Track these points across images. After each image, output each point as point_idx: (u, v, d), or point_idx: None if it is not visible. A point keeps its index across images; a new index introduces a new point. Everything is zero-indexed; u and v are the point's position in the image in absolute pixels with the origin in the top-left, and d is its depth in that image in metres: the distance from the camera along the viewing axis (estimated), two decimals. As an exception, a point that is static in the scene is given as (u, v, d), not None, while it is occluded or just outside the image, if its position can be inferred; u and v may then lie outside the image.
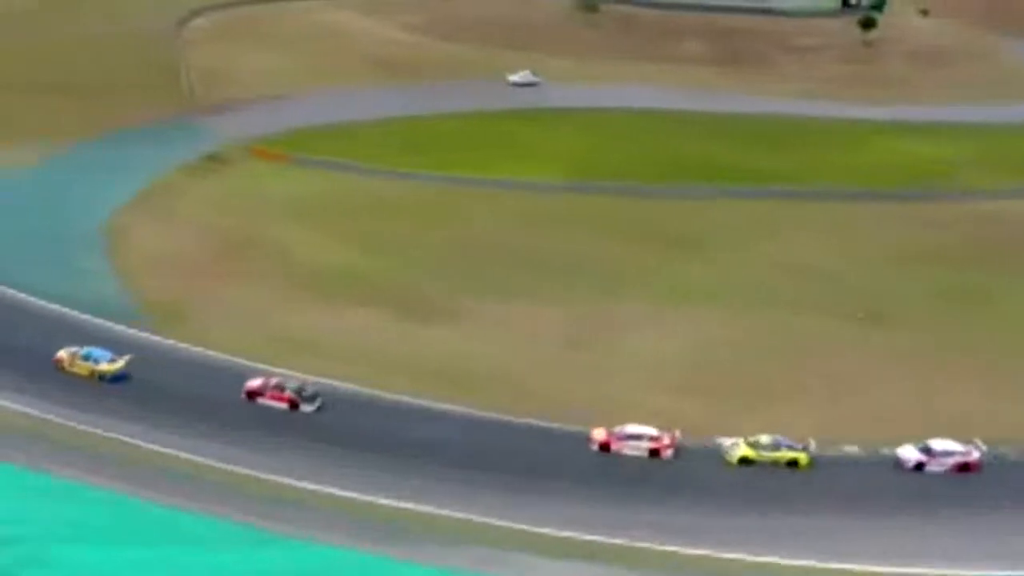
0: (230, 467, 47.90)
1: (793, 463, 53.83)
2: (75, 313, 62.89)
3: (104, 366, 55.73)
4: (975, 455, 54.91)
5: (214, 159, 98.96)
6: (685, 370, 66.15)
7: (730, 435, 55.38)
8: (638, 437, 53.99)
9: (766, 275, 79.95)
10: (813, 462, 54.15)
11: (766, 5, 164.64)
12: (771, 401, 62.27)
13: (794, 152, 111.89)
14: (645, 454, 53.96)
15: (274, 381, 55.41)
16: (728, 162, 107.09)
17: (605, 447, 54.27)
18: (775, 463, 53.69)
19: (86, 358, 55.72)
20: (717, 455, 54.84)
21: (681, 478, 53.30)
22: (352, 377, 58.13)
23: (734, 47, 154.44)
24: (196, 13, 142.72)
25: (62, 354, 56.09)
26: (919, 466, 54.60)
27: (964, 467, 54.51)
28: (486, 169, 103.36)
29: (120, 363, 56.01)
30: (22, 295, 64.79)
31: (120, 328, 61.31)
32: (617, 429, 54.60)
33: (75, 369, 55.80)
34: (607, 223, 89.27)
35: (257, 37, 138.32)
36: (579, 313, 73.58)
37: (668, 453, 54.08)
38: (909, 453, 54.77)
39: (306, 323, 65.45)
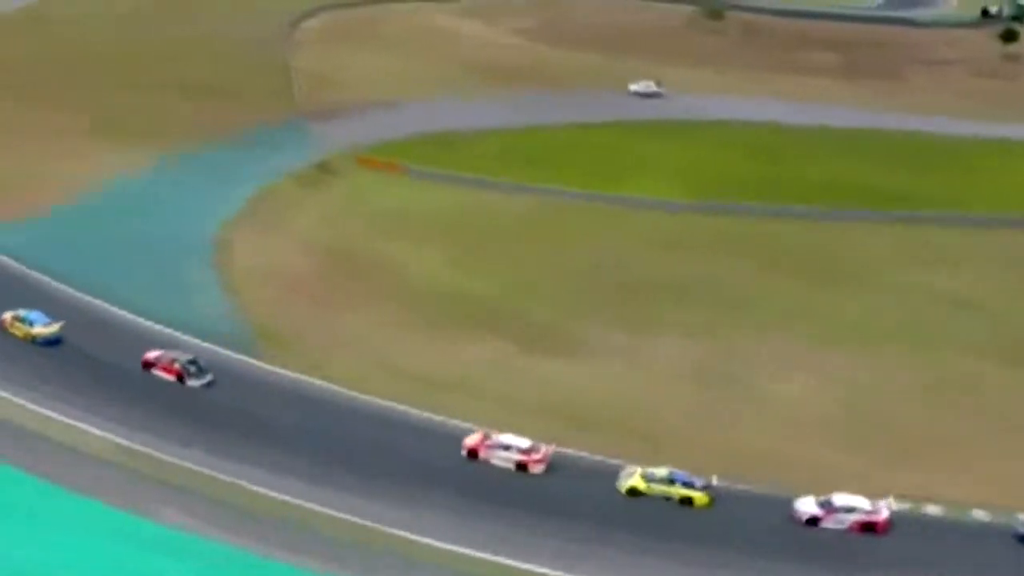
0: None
1: (687, 501, 47.36)
2: (179, 334, 57.76)
3: (38, 329, 54.53)
4: (883, 513, 47.04)
5: (324, 168, 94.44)
6: (833, 418, 58.87)
7: (879, 493, 48.03)
8: (507, 447, 49.23)
9: (925, 311, 72.10)
10: (713, 502, 47.31)
11: (900, 15, 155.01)
12: (928, 456, 54.67)
13: (941, 173, 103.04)
14: (512, 466, 49.02)
15: (170, 355, 53.33)
16: (868, 183, 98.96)
17: (473, 454, 49.44)
18: (667, 498, 47.09)
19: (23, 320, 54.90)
20: (603, 479, 48.57)
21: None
22: (476, 417, 52.07)
23: (865, 58, 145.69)
24: (308, 15, 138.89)
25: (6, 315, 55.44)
26: (813, 520, 47.12)
27: (868, 526, 46.84)
28: (607, 184, 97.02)
29: (55, 327, 54.84)
30: (126, 314, 59.67)
31: (229, 353, 55.82)
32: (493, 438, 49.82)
33: (13, 331, 54.82)
34: (741, 248, 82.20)
35: (366, 40, 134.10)
36: (714, 348, 66.64)
37: (538, 468, 48.92)
38: (806, 506, 47.51)
39: (424, 355, 59.81)
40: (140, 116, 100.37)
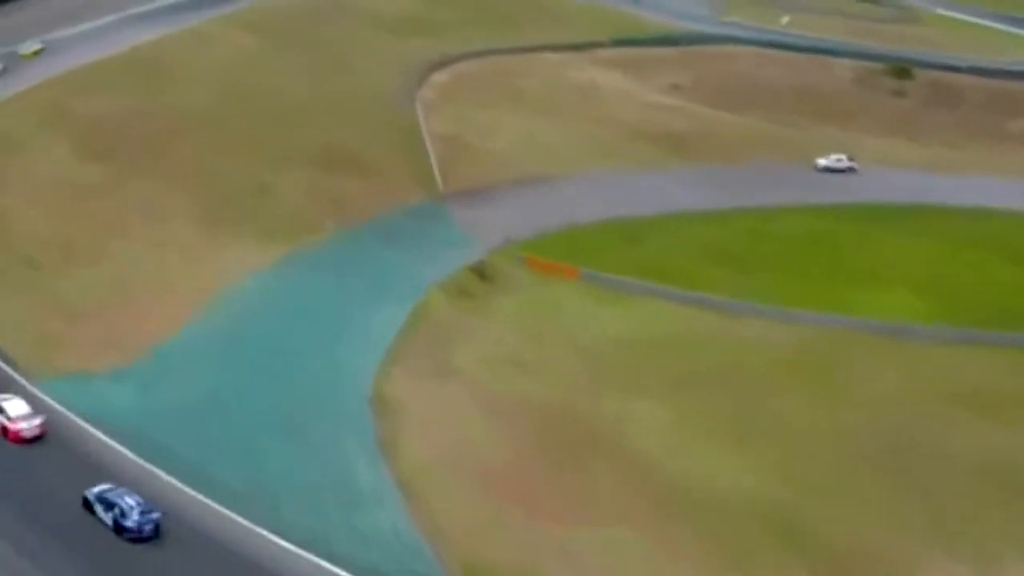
0: None
1: None
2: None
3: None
4: None
5: (482, 273, 74.77)
6: None
7: None
8: None
9: None
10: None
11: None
12: None
13: None
14: None
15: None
16: None
17: None
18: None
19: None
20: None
21: None
22: None
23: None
24: (435, 66, 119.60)
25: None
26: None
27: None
28: (830, 298, 76.97)
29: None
30: (262, 531, 40.05)
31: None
32: None
33: None
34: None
35: (504, 98, 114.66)
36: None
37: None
38: None
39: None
40: (254, 196, 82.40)
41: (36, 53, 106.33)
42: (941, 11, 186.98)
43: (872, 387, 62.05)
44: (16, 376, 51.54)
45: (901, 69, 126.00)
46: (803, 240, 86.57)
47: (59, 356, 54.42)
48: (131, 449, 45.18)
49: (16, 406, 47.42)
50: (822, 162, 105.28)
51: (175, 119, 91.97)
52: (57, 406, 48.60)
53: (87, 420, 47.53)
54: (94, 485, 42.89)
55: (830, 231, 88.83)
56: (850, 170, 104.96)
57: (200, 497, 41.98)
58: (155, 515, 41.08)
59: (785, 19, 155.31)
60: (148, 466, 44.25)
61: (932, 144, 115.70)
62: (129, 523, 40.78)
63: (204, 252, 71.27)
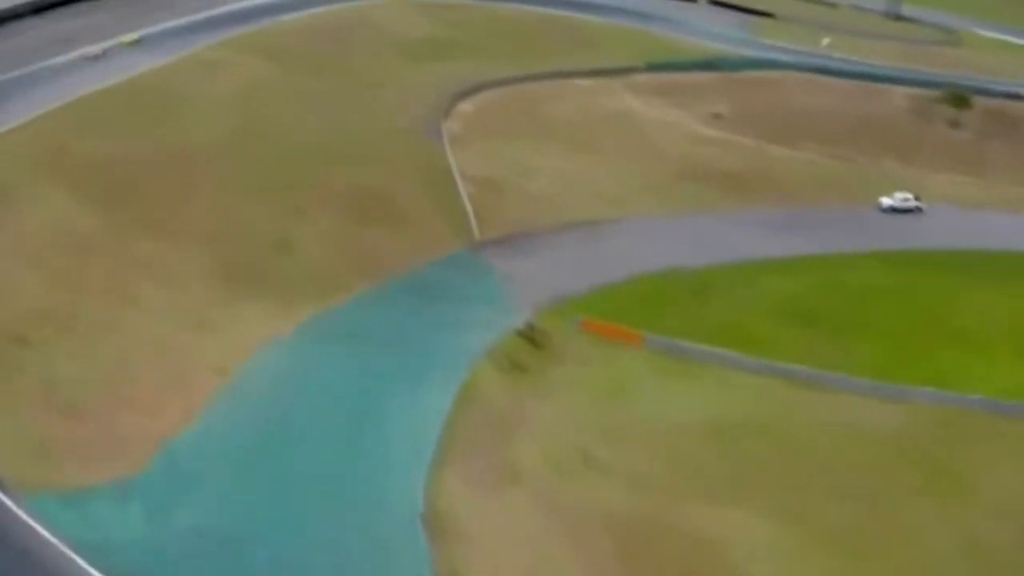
0: None
1: None
2: None
3: None
4: None
5: (533, 339, 65.39)
6: None
7: None
8: None
9: None
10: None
11: None
12: None
13: None
14: None
15: None
16: None
17: None
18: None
19: None
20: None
21: None
22: None
23: None
24: (459, 95, 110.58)
25: None
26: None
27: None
28: (926, 367, 68.23)
29: None
30: None
31: None
32: None
33: None
34: None
35: (537, 130, 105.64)
36: None
37: None
38: None
39: None
40: (274, 250, 73.30)
41: (135, 42, 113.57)
42: (981, 32, 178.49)
43: (1001, 483, 52.70)
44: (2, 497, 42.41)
45: (959, 97, 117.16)
46: (883, 294, 77.56)
47: (51, 467, 45.22)
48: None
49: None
50: (887, 202, 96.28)
51: (185, 160, 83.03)
52: (51, 538, 39.33)
53: (85, 558, 38.15)
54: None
55: (910, 283, 79.83)
56: (917, 210, 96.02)
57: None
58: None
59: (826, 41, 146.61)
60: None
61: (998, 180, 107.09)
62: None
63: (219, 321, 62.28)
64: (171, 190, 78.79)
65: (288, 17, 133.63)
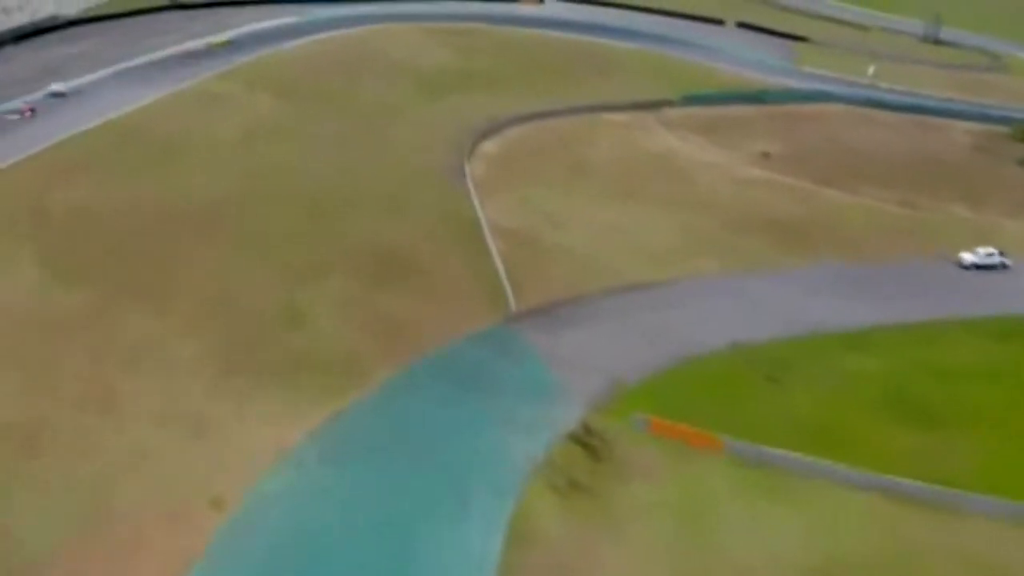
0: None
1: None
2: None
3: None
4: None
5: (589, 446, 54.45)
6: None
7: None
8: None
9: None
10: None
11: None
12: None
13: None
14: None
15: None
16: None
17: None
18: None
19: None
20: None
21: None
22: None
23: None
24: (483, 133, 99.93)
25: None
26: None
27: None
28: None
29: None
30: None
31: None
32: None
33: None
34: None
35: (571, 174, 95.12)
36: None
37: None
38: None
39: None
40: (283, 327, 62.78)
41: (226, 44, 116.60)
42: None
43: None
44: None
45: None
46: (987, 376, 66.91)
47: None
48: None
49: None
50: (969, 258, 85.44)
51: (181, 217, 72.52)
52: None
53: None
54: None
55: (1014, 360, 68.50)
56: (1003, 267, 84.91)
57: None
58: None
59: (872, 69, 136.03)
60: None
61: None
62: None
63: (217, 426, 51.57)
64: (164, 253, 68.14)
65: (292, 44, 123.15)
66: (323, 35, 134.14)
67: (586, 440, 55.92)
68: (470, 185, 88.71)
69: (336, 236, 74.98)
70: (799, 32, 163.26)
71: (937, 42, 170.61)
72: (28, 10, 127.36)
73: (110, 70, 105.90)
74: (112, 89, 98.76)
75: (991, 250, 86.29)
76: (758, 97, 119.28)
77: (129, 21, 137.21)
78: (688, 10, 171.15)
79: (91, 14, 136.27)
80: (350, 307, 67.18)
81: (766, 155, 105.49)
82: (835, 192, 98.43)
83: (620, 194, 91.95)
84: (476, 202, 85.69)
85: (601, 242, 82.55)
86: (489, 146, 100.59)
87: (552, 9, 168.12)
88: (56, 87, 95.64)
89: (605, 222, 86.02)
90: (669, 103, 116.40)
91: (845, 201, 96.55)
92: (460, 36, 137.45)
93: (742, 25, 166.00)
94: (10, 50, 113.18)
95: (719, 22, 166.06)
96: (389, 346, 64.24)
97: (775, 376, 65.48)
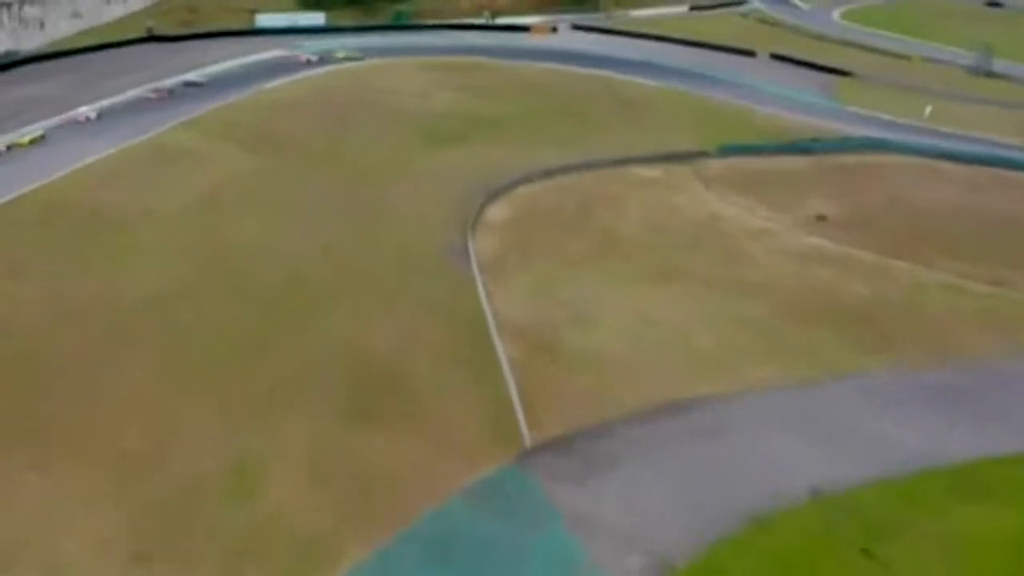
0: None
1: None
2: None
3: None
4: None
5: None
6: None
7: None
8: None
9: None
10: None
11: None
12: None
13: None
14: None
15: None
16: None
17: None
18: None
19: None
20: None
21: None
22: None
23: None
24: (491, 194, 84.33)
25: None
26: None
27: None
28: None
29: None
30: None
31: None
32: None
33: None
34: None
35: (595, 246, 79.73)
36: None
37: None
38: None
39: None
40: (225, 491, 46.33)
41: (348, 57, 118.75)
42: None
43: None
44: None
45: None
46: None
47: None
48: None
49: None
50: (1080, 356, 68.96)
51: (95, 325, 56.50)
52: None
53: None
54: None
55: None
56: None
57: None
58: None
59: (928, 109, 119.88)
60: None
61: None
62: None
63: None
64: (67, 381, 51.85)
65: (275, 84, 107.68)
66: (311, 72, 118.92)
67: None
68: (475, 268, 72.64)
69: (303, 348, 58.99)
70: (838, 64, 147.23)
71: (990, 75, 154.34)
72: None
73: (55, 120, 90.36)
74: (51, 146, 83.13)
75: (1108, 348, 69.80)
76: (806, 146, 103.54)
77: (98, 56, 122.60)
78: (714, 39, 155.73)
79: (54, 49, 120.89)
80: (315, 459, 51.19)
81: (821, 218, 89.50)
82: (906, 265, 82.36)
83: (656, 274, 75.93)
84: (482, 290, 69.63)
85: (635, 342, 66.65)
86: (497, 211, 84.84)
87: (566, 39, 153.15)
88: (191, 77, 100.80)
89: (639, 313, 69.97)
90: (705, 154, 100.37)
91: (920, 278, 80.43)
92: (464, 73, 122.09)
93: (776, 57, 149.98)
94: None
95: (750, 53, 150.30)
96: (364, 514, 48.54)
97: (872, 551, 49.00)
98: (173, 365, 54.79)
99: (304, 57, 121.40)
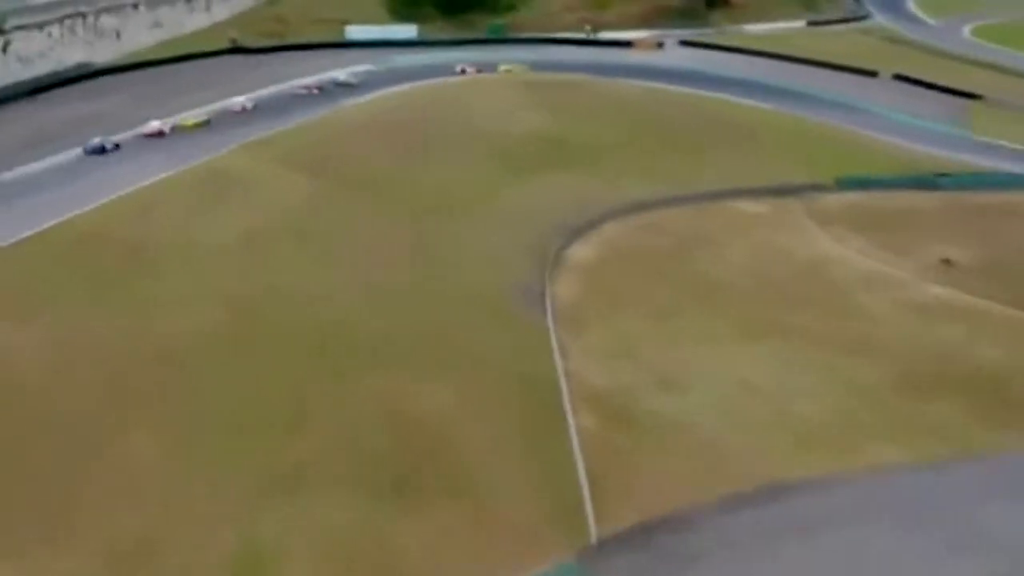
0: None
1: None
2: None
3: None
4: None
5: None
6: None
7: None
8: None
9: None
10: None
11: None
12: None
13: None
14: None
15: None
16: None
17: None
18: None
19: None
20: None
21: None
22: None
23: None
24: (574, 233, 75.52)
25: None
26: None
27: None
28: None
29: None
30: None
31: None
32: None
33: None
34: None
35: (689, 295, 71.09)
36: None
37: None
38: None
39: None
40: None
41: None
42: None
43: None
44: None
45: None
46: None
47: None
48: None
49: None
50: None
51: (112, 377, 49.19)
52: None
53: None
54: None
55: None
56: None
57: None
58: None
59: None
60: None
61: None
62: None
63: None
64: (65, 445, 44.90)
65: (356, 101, 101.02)
66: (397, 88, 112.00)
67: None
68: (549, 319, 63.88)
69: (339, 412, 51.11)
70: (968, 86, 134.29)
71: None
72: (53, 57, 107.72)
73: (113, 139, 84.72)
74: (98, 168, 77.21)
75: None
76: (933, 181, 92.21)
77: (174, 69, 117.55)
78: (832, 57, 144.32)
79: (130, 60, 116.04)
80: (339, 549, 42.86)
81: (947, 263, 78.44)
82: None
83: (757, 330, 66.32)
84: (555, 347, 60.78)
85: (728, 412, 57.39)
86: (581, 251, 76.30)
87: (672, 56, 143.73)
88: (342, 76, 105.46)
89: (735, 377, 60.53)
90: (821, 187, 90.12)
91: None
92: (559, 91, 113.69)
93: (899, 77, 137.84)
94: (12, 110, 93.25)
95: (872, 73, 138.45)
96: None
97: None
98: (183, 431, 47.35)
99: (460, 68, 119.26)
